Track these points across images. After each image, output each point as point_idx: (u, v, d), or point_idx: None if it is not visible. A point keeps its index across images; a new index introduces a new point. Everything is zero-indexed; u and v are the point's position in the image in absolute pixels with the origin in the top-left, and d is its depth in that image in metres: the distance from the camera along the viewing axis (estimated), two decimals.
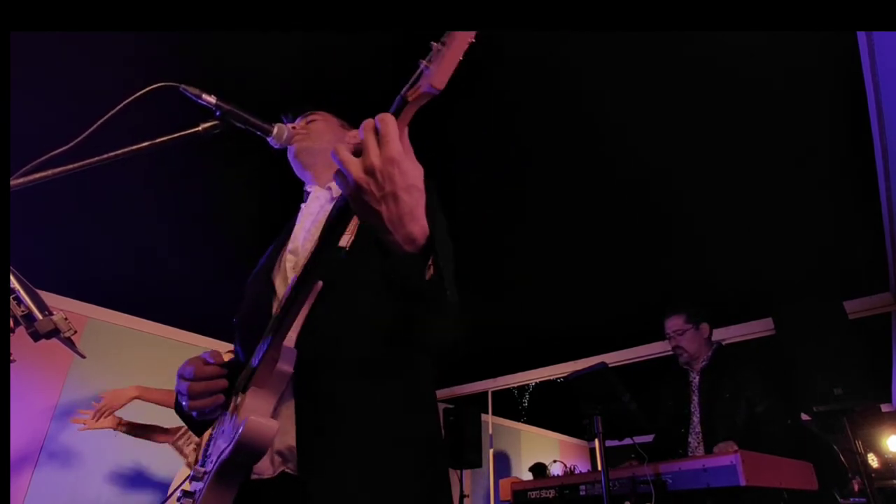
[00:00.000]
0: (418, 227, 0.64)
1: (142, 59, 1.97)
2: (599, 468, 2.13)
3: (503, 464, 6.49)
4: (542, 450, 7.35)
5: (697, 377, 2.60)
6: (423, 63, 0.62)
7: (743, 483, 1.77)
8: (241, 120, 0.89)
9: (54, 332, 0.77)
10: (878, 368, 4.60)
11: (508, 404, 6.57)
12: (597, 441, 2.19)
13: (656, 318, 2.90)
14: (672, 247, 3.22)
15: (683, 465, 2.02)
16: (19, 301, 0.77)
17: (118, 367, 3.88)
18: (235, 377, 0.91)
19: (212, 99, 0.86)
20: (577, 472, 2.90)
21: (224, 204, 2.86)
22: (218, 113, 0.85)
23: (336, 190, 1.10)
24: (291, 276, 0.93)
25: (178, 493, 2.47)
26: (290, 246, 1.04)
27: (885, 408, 5.15)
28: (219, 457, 0.78)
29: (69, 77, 2.03)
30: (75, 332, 0.83)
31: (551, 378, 5.31)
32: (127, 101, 0.84)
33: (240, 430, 0.72)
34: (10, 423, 2.86)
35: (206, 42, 1.90)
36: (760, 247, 3.15)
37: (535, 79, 2.08)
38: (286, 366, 0.78)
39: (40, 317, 0.77)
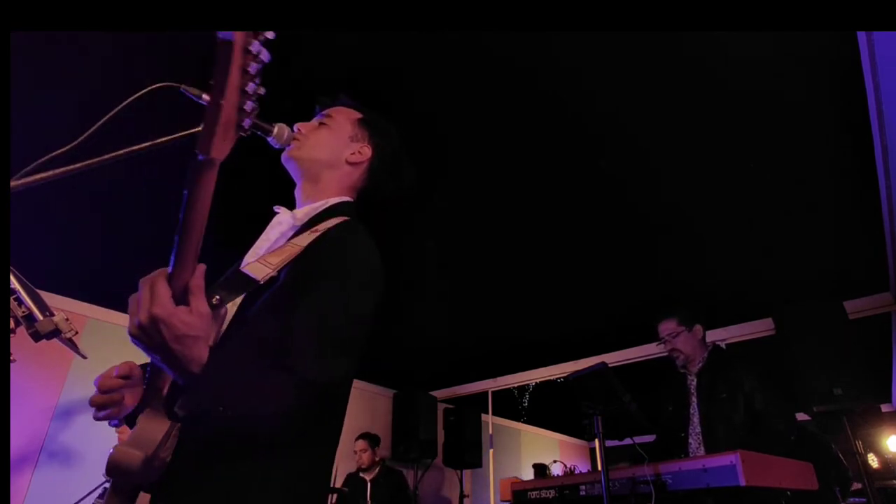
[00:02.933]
0: (195, 366, 0.72)
1: (142, 59, 1.97)
2: (599, 468, 2.13)
3: (503, 464, 6.49)
4: (542, 450, 7.36)
5: (695, 380, 2.61)
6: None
7: (743, 483, 1.77)
8: None
9: (55, 333, 0.78)
10: (878, 368, 4.60)
11: (508, 404, 6.57)
12: (597, 441, 2.19)
13: (656, 318, 2.90)
14: (672, 247, 3.22)
15: (683, 465, 2.02)
16: (20, 302, 0.77)
17: None
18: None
19: None
20: (577, 472, 2.90)
21: (224, 204, 2.86)
22: None
23: (301, 216, 1.08)
24: None
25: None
26: (243, 262, 1.01)
27: (885, 408, 5.15)
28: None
29: (69, 77, 2.03)
30: (76, 332, 0.83)
31: (551, 378, 5.31)
32: (127, 101, 0.84)
33: (108, 458, 0.75)
34: (10, 423, 2.86)
35: (207, 42, 1.90)
36: (760, 247, 3.15)
37: (535, 79, 2.08)
38: (162, 387, 0.81)
39: (41, 317, 0.77)
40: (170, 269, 0.73)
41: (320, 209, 1.10)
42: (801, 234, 3.00)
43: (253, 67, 0.63)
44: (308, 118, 1.26)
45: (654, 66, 2.00)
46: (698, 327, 2.66)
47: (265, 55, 0.60)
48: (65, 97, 2.11)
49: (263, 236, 1.08)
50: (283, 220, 1.08)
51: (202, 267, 0.73)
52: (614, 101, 2.18)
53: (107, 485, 0.86)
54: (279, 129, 1.09)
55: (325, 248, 0.95)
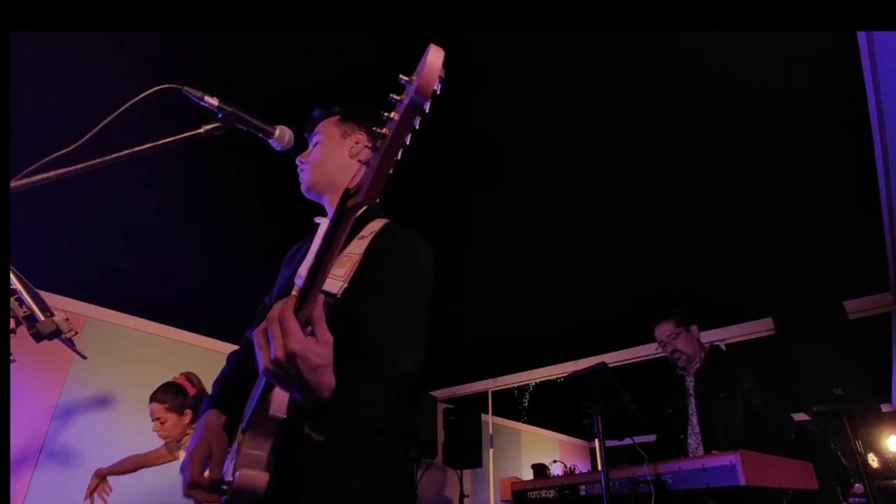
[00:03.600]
0: (325, 391, 0.77)
1: (144, 60, 1.97)
2: (599, 468, 2.13)
3: (503, 464, 6.49)
4: (542, 450, 7.36)
5: (693, 380, 2.61)
6: (365, 168, 0.66)
7: (743, 483, 1.77)
8: (243, 122, 0.88)
9: (56, 333, 0.78)
10: (878, 368, 4.60)
11: (508, 404, 6.57)
12: (597, 441, 2.19)
13: (652, 322, 2.90)
14: (672, 247, 3.22)
15: (683, 465, 2.02)
16: (21, 302, 0.77)
17: (118, 367, 3.88)
18: (248, 390, 1.00)
19: (214, 101, 0.86)
20: (577, 472, 2.90)
21: (225, 205, 2.87)
22: (220, 115, 0.85)
23: None
24: None
25: None
26: (299, 271, 1.09)
27: (885, 408, 5.15)
28: (226, 498, 0.88)
29: (70, 78, 2.03)
30: (76, 332, 0.83)
31: (551, 378, 5.31)
32: (130, 102, 0.84)
33: (234, 482, 0.80)
34: (10, 423, 2.86)
35: (208, 43, 1.90)
36: (760, 247, 3.15)
37: (535, 80, 2.08)
38: (278, 413, 0.84)
39: (42, 318, 0.77)
40: (296, 302, 0.73)
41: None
42: (801, 234, 3.00)
43: (417, 121, 0.62)
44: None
45: (654, 66, 2.00)
46: (695, 327, 2.68)
47: (427, 107, 0.59)
48: (66, 98, 2.11)
49: (312, 249, 1.16)
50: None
51: (321, 297, 0.75)
52: (614, 101, 2.18)
53: None
54: (280, 130, 1.09)
55: (387, 253, 1.03)
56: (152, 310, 4.08)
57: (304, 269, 1.09)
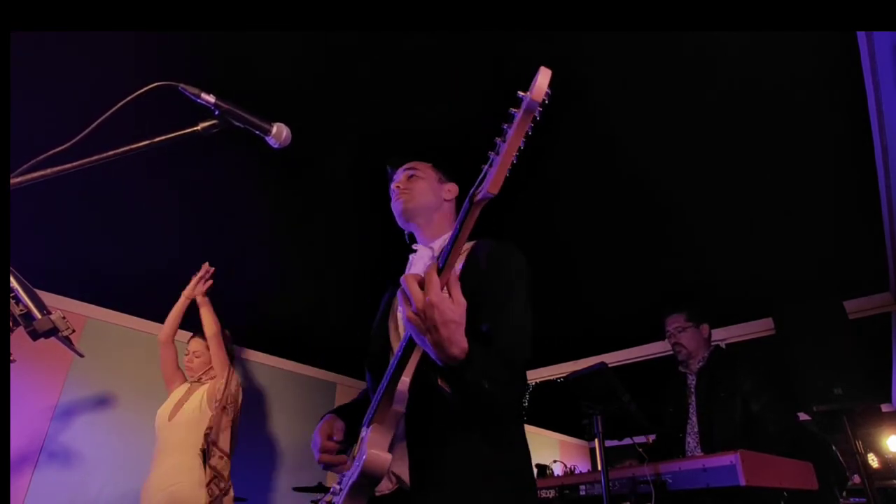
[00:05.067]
0: (457, 349, 0.85)
1: (141, 58, 1.97)
2: (599, 468, 2.13)
3: None
4: (542, 450, 7.35)
5: (694, 378, 2.61)
6: (485, 168, 0.81)
7: (743, 483, 1.77)
8: (240, 119, 0.88)
9: (53, 331, 0.77)
10: (878, 368, 4.60)
11: None
12: (597, 441, 2.19)
13: (656, 318, 2.90)
14: (672, 247, 3.22)
15: (683, 465, 2.02)
16: (18, 300, 0.77)
17: (118, 367, 3.88)
18: (365, 409, 1.14)
19: (210, 98, 0.85)
20: (577, 472, 2.90)
21: (224, 204, 2.87)
22: (217, 112, 0.85)
23: (437, 248, 1.31)
24: (402, 325, 1.17)
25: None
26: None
27: (885, 408, 5.15)
28: (349, 479, 1.00)
29: (69, 77, 2.03)
30: (73, 330, 0.83)
31: (551, 378, 5.31)
32: (126, 99, 0.84)
33: (362, 461, 0.93)
34: (10, 423, 2.86)
35: (208, 42, 1.91)
36: (761, 247, 3.15)
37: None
38: (399, 406, 0.96)
39: (39, 316, 0.77)
40: (440, 264, 0.85)
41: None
42: (801, 234, 3.00)
43: (530, 128, 0.78)
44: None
45: (653, 66, 2.00)
46: (705, 326, 2.67)
47: (538, 114, 0.76)
48: (64, 96, 2.11)
49: (412, 270, 1.33)
50: (423, 254, 1.33)
51: (457, 268, 0.87)
52: (613, 100, 2.17)
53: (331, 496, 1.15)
54: (277, 128, 1.09)
55: (491, 260, 1.19)
56: (152, 310, 4.08)
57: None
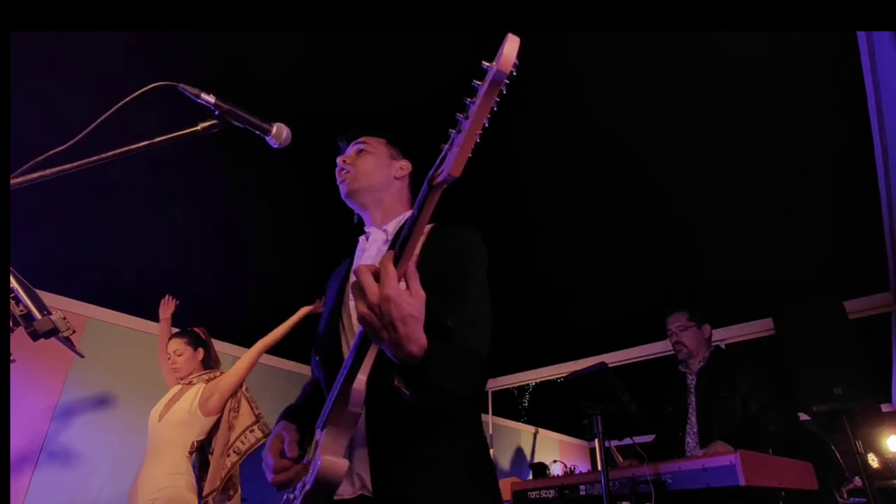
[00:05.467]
0: (416, 347, 0.79)
1: (141, 58, 1.97)
2: (599, 468, 2.13)
3: (503, 464, 6.49)
4: (542, 450, 7.35)
5: (694, 378, 2.61)
6: (445, 148, 0.74)
7: (742, 483, 1.77)
8: (240, 119, 0.88)
9: (53, 332, 0.77)
10: (878, 368, 4.59)
11: (508, 404, 6.57)
12: (597, 441, 2.19)
13: (656, 318, 2.90)
14: (672, 247, 3.22)
15: (683, 465, 2.02)
16: (18, 301, 0.77)
17: (118, 367, 3.88)
18: (318, 410, 1.06)
19: (210, 98, 0.85)
20: (577, 472, 2.90)
21: (224, 203, 2.87)
22: (217, 112, 0.85)
23: (391, 230, 1.22)
24: (356, 320, 1.07)
25: None
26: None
27: (885, 408, 5.14)
28: (303, 488, 0.93)
29: (69, 77, 2.03)
30: (74, 331, 0.83)
31: (551, 378, 5.31)
32: (126, 100, 0.84)
33: (317, 468, 0.86)
34: (10, 423, 2.86)
35: (207, 42, 1.91)
36: (761, 247, 3.15)
37: (534, 80, 2.07)
38: (356, 408, 0.89)
39: (39, 316, 0.77)
40: (396, 252, 0.78)
41: (404, 221, 1.22)
42: (801, 234, 3.00)
43: (495, 103, 0.70)
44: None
45: (653, 66, 2.00)
46: (707, 326, 2.68)
47: (505, 87, 0.68)
48: (64, 96, 2.11)
49: (365, 254, 1.23)
50: (377, 237, 1.23)
51: (414, 257, 0.81)
52: (613, 100, 2.17)
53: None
54: (277, 128, 1.09)
55: (450, 244, 1.11)
56: (152, 310, 4.07)
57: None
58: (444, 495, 0.93)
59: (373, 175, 1.27)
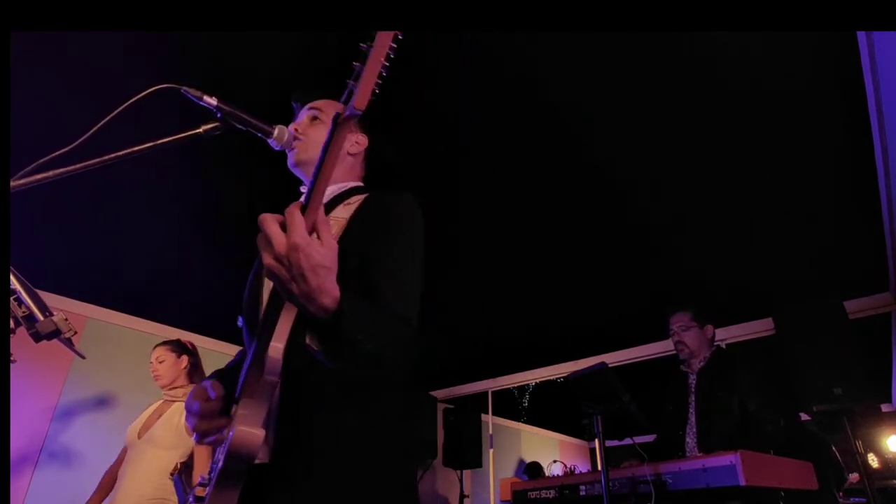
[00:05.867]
0: (328, 299, 0.73)
1: (143, 59, 1.97)
2: (599, 468, 2.13)
3: (503, 464, 6.50)
4: (542, 450, 7.36)
5: (695, 378, 2.62)
6: (350, 83, 0.73)
7: (742, 483, 1.77)
8: (242, 121, 0.88)
9: (55, 333, 0.78)
10: (878, 368, 4.60)
11: (508, 404, 6.57)
12: (597, 441, 2.19)
13: (656, 318, 2.90)
14: (672, 247, 3.22)
15: (683, 465, 2.02)
16: (20, 302, 0.77)
17: (118, 367, 3.88)
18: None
19: (213, 101, 0.86)
20: (577, 472, 2.90)
21: (224, 204, 2.86)
22: (219, 114, 0.85)
23: (327, 194, 1.13)
24: None
25: (189, 499, 2.42)
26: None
27: (885, 408, 5.15)
28: (217, 466, 0.85)
29: (70, 78, 2.03)
30: (75, 332, 0.83)
31: (551, 378, 5.31)
32: (129, 102, 0.84)
33: (229, 440, 0.78)
34: (10, 423, 2.86)
35: (207, 42, 1.91)
36: (760, 247, 3.15)
37: (535, 79, 2.08)
38: (272, 376, 0.82)
39: (42, 318, 0.77)
40: (301, 207, 0.73)
41: (345, 188, 1.17)
42: (801, 233, 3.00)
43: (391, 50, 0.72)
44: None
45: (653, 66, 2.00)
46: (709, 327, 2.68)
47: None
48: (65, 98, 2.11)
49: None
50: None
51: (322, 204, 0.76)
52: (613, 100, 2.18)
53: (198, 491, 0.90)
54: (279, 130, 1.09)
55: (380, 210, 1.03)
56: (152, 310, 4.08)
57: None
58: (345, 474, 0.86)
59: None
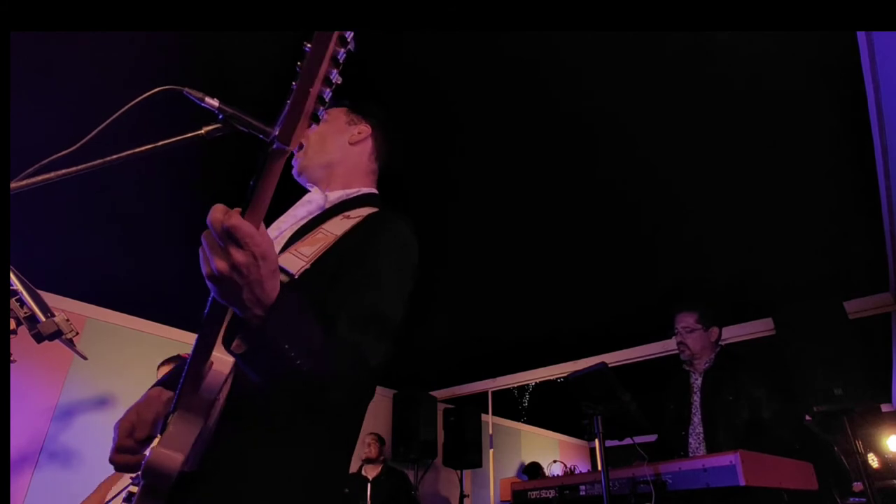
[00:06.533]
0: (267, 297, 0.67)
1: (143, 60, 1.97)
2: (599, 468, 2.13)
3: (503, 464, 6.50)
4: (542, 450, 7.36)
5: (700, 378, 2.60)
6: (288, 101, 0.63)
7: (743, 483, 1.77)
8: (244, 123, 0.88)
9: (57, 334, 0.78)
10: (878, 368, 4.60)
11: (508, 404, 6.57)
12: (597, 441, 2.19)
13: (656, 318, 2.90)
14: (672, 247, 3.22)
15: (683, 465, 2.02)
16: (22, 303, 0.77)
17: (118, 367, 3.88)
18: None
19: (215, 102, 0.86)
20: (577, 472, 2.90)
21: (225, 204, 2.86)
22: (220, 116, 0.85)
23: (333, 199, 1.08)
24: None
25: (123, 494, 2.42)
26: None
27: (885, 408, 5.16)
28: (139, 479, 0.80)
29: (70, 79, 2.03)
30: (77, 333, 0.83)
31: (551, 378, 5.31)
32: (130, 104, 0.84)
33: (145, 460, 0.73)
34: (10, 423, 2.86)
35: (207, 42, 1.91)
36: (760, 247, 3.15)
37: (534, 78, 2.08)
38: (208, 394, 0.75)
39: (44, 319, 0.77)
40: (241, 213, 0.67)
41: (353, 195, 1.10)
42: (801, 233, 3.00)
43: (341, 55, 0.59)
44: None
45: (654, 65, 2.00)
46: (715, 329, 2.63)
47: (353, 45, 0.59)
48: (65, 99, 2.11)
49: (291, 212, 1.08)
50: (313, 199, 1.08)
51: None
52: (613, 100, 2.18)
53: (131, 488, 0.86)
54: None
55: (371, 236, 0.95)
56: (152, 310, 4.08)
57: (272, 229, 1.04)
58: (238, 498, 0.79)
59: (324, 148, 1.15)
